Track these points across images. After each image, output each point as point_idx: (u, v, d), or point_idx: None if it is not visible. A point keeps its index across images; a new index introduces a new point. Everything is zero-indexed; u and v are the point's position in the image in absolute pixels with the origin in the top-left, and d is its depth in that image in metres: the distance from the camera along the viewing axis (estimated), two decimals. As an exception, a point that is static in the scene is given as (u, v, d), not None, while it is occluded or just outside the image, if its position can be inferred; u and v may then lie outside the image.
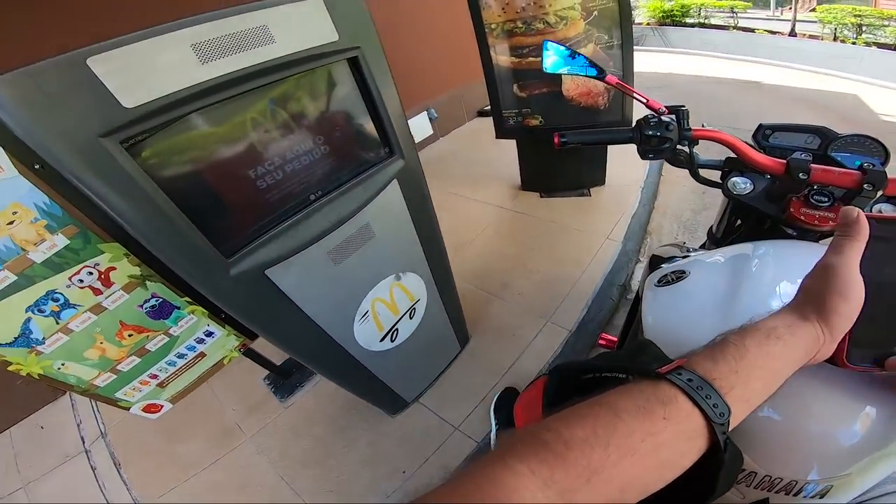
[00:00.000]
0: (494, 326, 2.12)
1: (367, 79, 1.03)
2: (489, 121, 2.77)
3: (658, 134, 0.85)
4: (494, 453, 0.33)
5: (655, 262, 0.94)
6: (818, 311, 0.42)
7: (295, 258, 0.98)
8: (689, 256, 0.89)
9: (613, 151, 2.87)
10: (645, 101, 0.91)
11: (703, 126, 0.89)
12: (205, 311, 1.31)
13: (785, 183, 0.79)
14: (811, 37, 8.12)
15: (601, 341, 1.95)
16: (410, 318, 1.50)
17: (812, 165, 0.75)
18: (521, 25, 2.35)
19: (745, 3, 9.41)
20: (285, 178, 0.95)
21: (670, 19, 9.72)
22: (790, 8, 9.59)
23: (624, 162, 2.92)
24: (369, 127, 1.11)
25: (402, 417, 1.79)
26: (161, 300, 1.20)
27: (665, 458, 0.35)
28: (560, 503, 0.30)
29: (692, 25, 9.46)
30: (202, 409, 1.99)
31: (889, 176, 0.71)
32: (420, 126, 4.06)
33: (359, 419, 1.82)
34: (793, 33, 8.31)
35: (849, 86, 5.99)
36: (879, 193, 0.72)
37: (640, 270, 2.35)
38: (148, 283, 1.15)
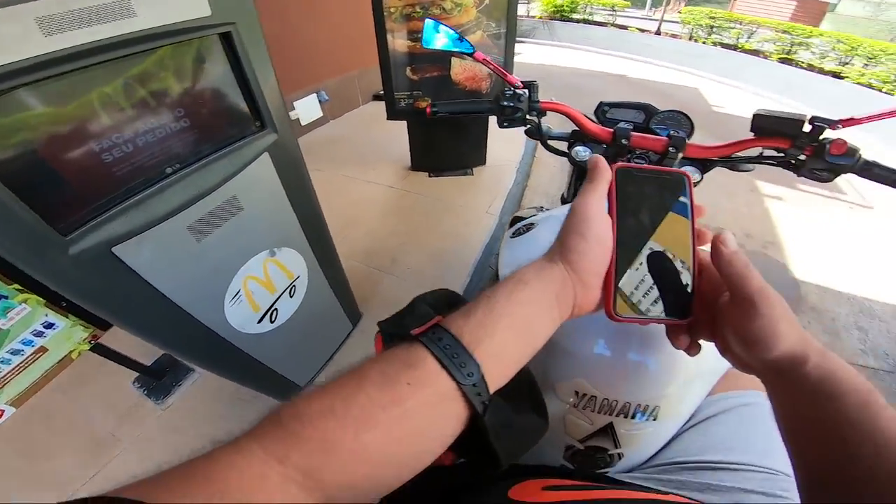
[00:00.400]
0: (386, 301, 2.16)
1: (241, 55, 0.99)
2: (383, 105, 2.82)
3: (511, 105, 0.95)
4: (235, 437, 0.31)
5: (515, 221, 1.04)
6: (561, 253, 0.42)
7: (148, 233, 0.91)
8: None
9: (493, 136, 3.12)
10: (504, 76, 0.99)
11: (551, 100, 1.02)
12: (41, 299, 1.15)
13: (613, 149, 0.93)
14: (672, 36, 8.98)
15: None
16: (291, 296, 1.45)
17: (632, 133, 0.90)
18: (419, 10, 2.44)
19: (625, 3, 10.13)
20: (136, 151, 0.88)
21: (560, 14, 10.16)
22: (661, 9, 10.73)
23: (502, 145, 3.23)
24: (240, 102, 1.06)
25: None
26: None
27: (416, 426, 0.32)
28: (303, 481, 0.28)
29: (577, 21, 9.99)
30: (63, 422, 1.74)
31: (688, 142, 0.88)
32: (309, 108, 3.91)
33: (249, 410, 1.73)
34: (658, 32, 9.15)
35: (693, 80, 7.17)
36: (681, 156, 0.88)
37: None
38: None
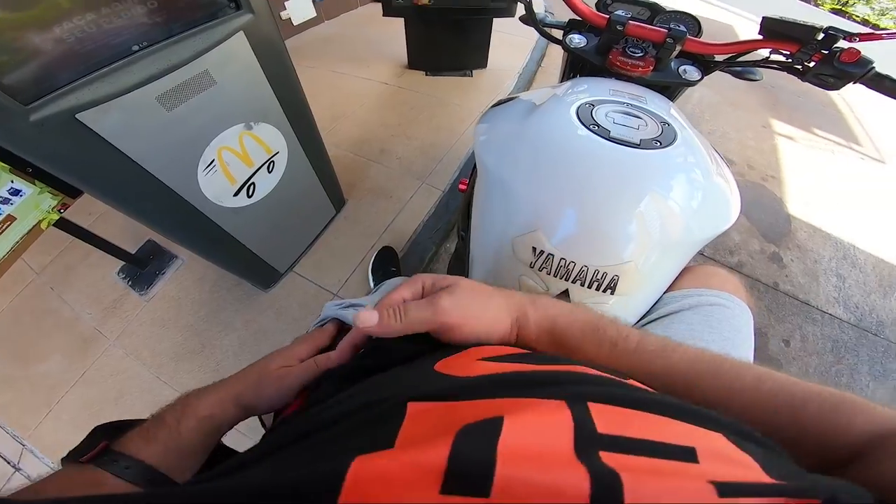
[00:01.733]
0: (372, 188, 2.16)
1: None
2: (380, 6, 2.59)
3: None
4: None
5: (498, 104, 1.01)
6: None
7: (115, 102, 0.90)
8: None
9: (497, 39, 2.95)
10: None
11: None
12: (4, 165, 1.13)
13: (608, 36, 0.87)
14: None
15: (461, 186, 2.11)
16: (269, 171, 1.43)
17: (629, 21, 0.84)
18: None
19: None
20: (100, 32, 0.84)
21: None
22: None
23: (506, 49, 3.08)
24: None
25: (278, 290, 1.76)
26: None
27: None
28: None
29: None
30: (53, 320, 1.77)
31: (688, 37, 0.83)
32: (302, 7, 3.59)
33: (230, 299, 1.77)
34: None
35: (728, 17, 6.48)
36: (679, 48, 0.83)
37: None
38: None
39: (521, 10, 1.01)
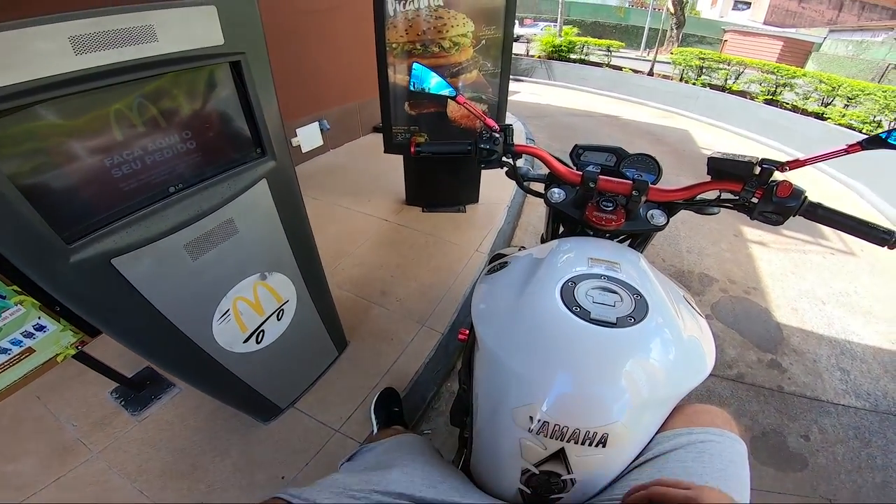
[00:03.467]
0: (373, 331, 2.19)
1: (248, 83, 1.06)
2: (381, 137, 2.90)
3: (488, 147, 1.03)
4: None
5: (494, 258, 1.09)
6: None
7: (147, 248, 0.96)
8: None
9: (487, 175, 3.20)
10: (483, 119, 1.07)
11: (526, 143, 1.09)
12: (36, 301, 1.18)
13: (582, 191, 1.00)
14: (664, 77, 9.06)
15: (460, 336, 2.12)
16: (278, 319, 1.49)
17: (600, 176, 0.97)
18: (419, 48, 2.53)
19: (620, 44, 10.31)
20: (144, 168, 0.94)
21: (558, 54, 10.31)
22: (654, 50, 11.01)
23: (495, 184, 3.28)
24: (243, 128, 1.13)
25: (277, 424, 1.74)
26: None
27: None
28: None
29: (574, 61, 10.13)
30: (33, 426, 1.72)
31: (650, 185, 0.95)
32: (310, 136, 4.03)
33: (227, 428, 1.72)
34: (651, 73, 9.31)
35: (684, 122, 7.41)
36: (644, 199, 0.95)
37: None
38: None
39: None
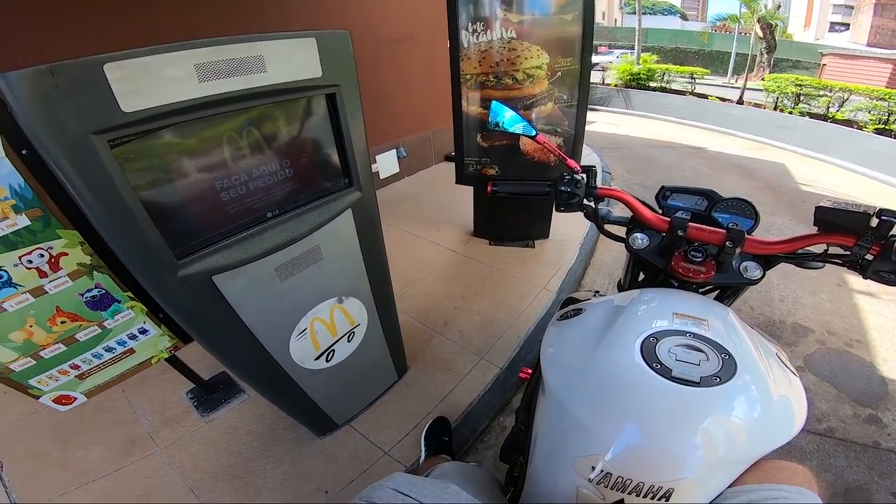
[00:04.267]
0: (433, 359, 2.21)
1: (341, 114, 1.13)
2: (453, 166, 2.95)
3: (569, 189, 0.98)
4: None
5: (567, 302, 1.05)
6: None
7: (243, 269, 1.04)
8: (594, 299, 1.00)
9: None
10: (564, 160, 1.03)
11: (609, 185, 1.04)
12: (144, 307, 1.31)
13: (669, 239, 0.92)
14: (755, 105, 8.37)
15: (521, 374, 2.05)
16: (349, 341, 1.55)
17: (689, 224, 0.89)
18: (492, 79, 2.54)
19: (704, 70, 9.79)
20: (248, 193, 1.03)
21: (636, 82, 9.95)
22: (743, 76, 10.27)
23: (567, 219, 3.10)
24: (334, 157, 1.21)
25: (331, 439, 1.79)
26: (103, 291, 1.19)
27: None
28: None
29: (654, 89, 9.72)
30: (113, 416, 1.90)
31: (746, 236, 0.86)
32: (388, 163, 4.22)
33: (284, 438, 1.81)
34: (740, 101, 8.72)
35: (779, 154, 6.74)
36: (739, 250, 0.87)
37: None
38: (95, 273, 1.15)
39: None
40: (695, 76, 9.45)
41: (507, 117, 1.09)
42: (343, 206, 1.24)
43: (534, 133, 1.08)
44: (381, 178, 4.21)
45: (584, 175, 1.02)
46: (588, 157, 5.62)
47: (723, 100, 8.89)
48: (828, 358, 2.51)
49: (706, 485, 0.60)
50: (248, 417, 1.91)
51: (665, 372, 0.63)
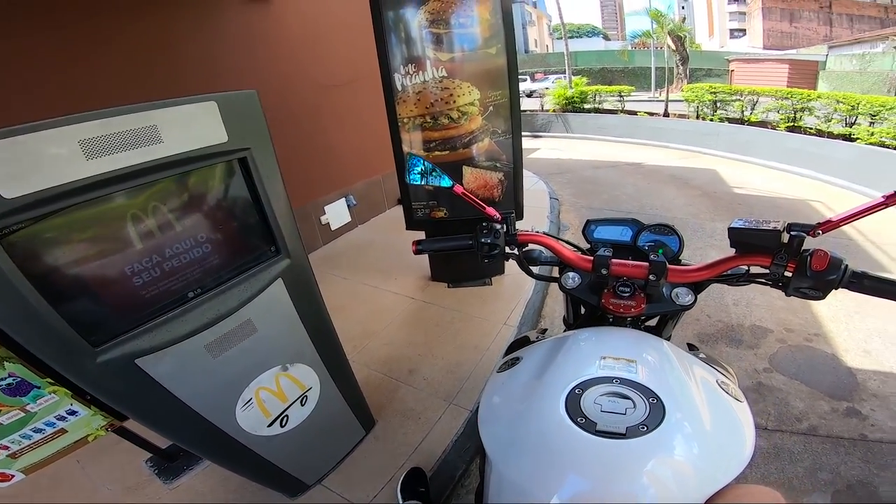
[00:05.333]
0: (401, 410, 2.16)
1: (256, 179, 1.11)
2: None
3: (489, 241, 0.97)
4: None
5: (512, 347, 1.04)
6: None
7: (169, 350, 1.00)
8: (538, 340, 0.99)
9: None
10: (482, 208, 1.03)
11: (531, 230, 1.04)
12: (68, 392, 1.22)
13: (595, 277, 0.94)
14: (680, 116, 8.89)
15: None
16: (302, 405, 1.50)
17: (612, 261, 0.91)
18: (429, 120, 2.57)
19: (630, 88, 10.35)
20: (163, 275, 1.00)
21: (571, 106, 10.30)
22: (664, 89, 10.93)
23: None
24: (255, 226, 1.18)
25: (304, 499, 1.73)
26: (19, 379, 1.11)
27: None
28: None
29: (589, 111, 10.13)
30: (69, 487, 1.84)
31: (669, 266, 0.88)
32: (339, 212, 4.18)
33: (255, 501, 1.73)
34: (666, 114, 9.27)
35: (709, 161, 7.20)
36: (662, 281, 0.87)
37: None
38: (6, 363, 1.07)
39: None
40: (622, 94, 9.96)
41: (425, 171, 1.07)
42: (272, 276, 1.21)
43: (451, 184, 1.07)
44: (333, 229, 4.16)
45: (503, 223, 1.01)
46: (535, 185, 5.80)
47: (651, 114, 9.42)
48: (791, 355, 2.59)
49: None
50: (214, 483, 1.84)
51: (589, 426, 0.62)
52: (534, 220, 4.22)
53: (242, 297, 1.13)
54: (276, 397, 1.37)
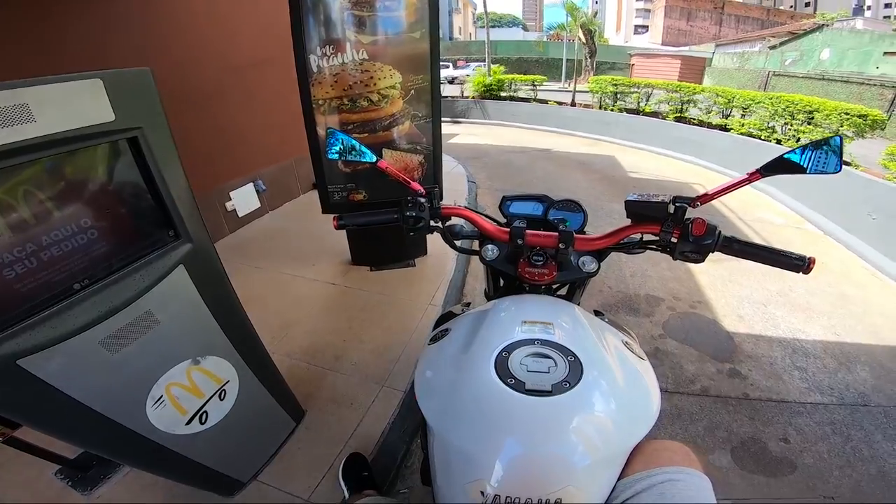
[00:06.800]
0: (331, 397, 2.11)
1: (149, 159, 1.01)
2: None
3: (414, 214, 1.00)
4: None
5: (440, 320, 1.07)
6: None
7: (57, 348, 0.90)
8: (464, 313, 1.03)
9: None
10: (407, 183, 1.05)
11: (453, 204, 1.07)
12: None
13: (513, 247, 1.00)
14: (585, 106, 9.58)
15: None
16: (221, 399, 1.41)
17: (526, 231, 0.98)
18: (347, 102, 2.51)
19: (543, 77, 10.88)
20: (41, 265, 0.88)
21: (489, 93, 10.72)
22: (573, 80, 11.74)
23: None
24: (149, 209, 1.07)
25: (241, 498, 1.64)
26: None
27: None
28: None
29: (505, 98, 10.62)
30: None
31: (576, 235, 0.96)
32: (246, 199, 3.93)
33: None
34: (573, 103, 9.90)
35: (609, 148, 7.93)
36: (571, 249, 0.96)
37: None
38: None
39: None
40: (535, 84, 10.46)
41: (346, 145, 1.05)
42: (172, 263, 1.11)
43: (374, 160, 1.06)
44: (241, 215, 3.93)
45: (428, 197, 1.04)
46: (454, 168, 5.93)
47: (560, 103, 9.99)
48: (680, 322, 2.90)
49: (592, 485, 0.64)
50: (138, 489, 1.68)
51: (519, 386, 0.66)
52: (453, 201, 4.28)
53: (139, 286, 1.03)
54: (190, 393, 1.29)
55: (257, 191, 4.03)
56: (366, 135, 2.62)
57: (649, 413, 0.69)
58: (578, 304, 1.06)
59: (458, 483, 0.66)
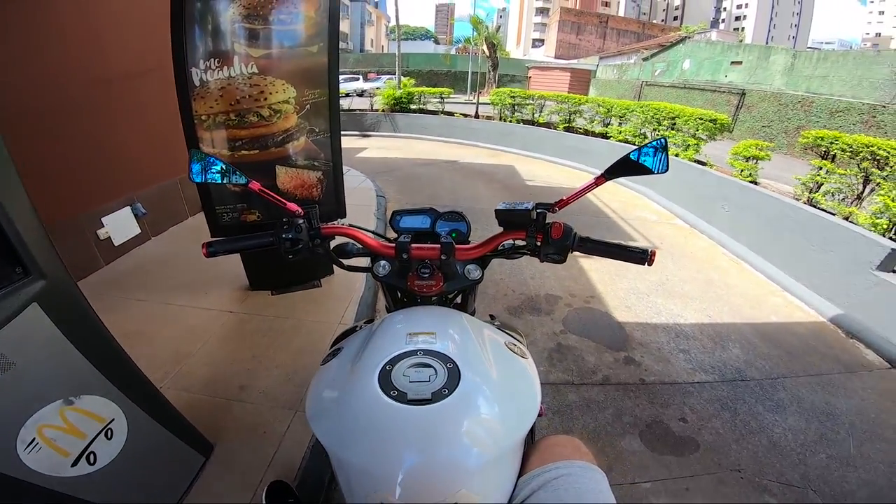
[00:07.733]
0: (241, 428, 2.00)
1: None
2: None
3: (291, 236, 0.95)
4: None
5: (336, 341, 1.05)
6: None
7: None
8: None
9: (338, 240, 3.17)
10: (283, 204, 1.01)
11: (334, 223, 1.07)
12: None
13: (400, 263, 1.02)
14: (488, 118, 10.12)
15: None
16: (108, 438, 1.31)
17: (411, 246, 0.99)
18: (234, 118, 2.38)
19: (450, 90, 11.15)
20: None
21: (399, 106, 10.85)
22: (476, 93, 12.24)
23: None
24: None
25: None
26: None
27: None
28: None
29: (414, 111, 10.85)
30: None
31: (456, 246, 1.00)
32: (122, 224, 3.52)
33: None
34: (476, 115, 10.37)
35: (509, 158, 8.44)
36: (453, 259, 0.99)
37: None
38: None
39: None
40: (443, 96, 10.76)
41: (212, 167, 1.00)
42: (22, 302, 1.01)
43: (245, 181, 1.01)
44: (117, 244, 3.49)
45: (305, 218, 1.00)
46: (362, 183, 5.92)
47: (465, 115, 10.37)
48: (578, 316, 3.14)
49: (489, 484, 0.66)
50: None
51: (402, 397, 0.67)
52: (360, 218, 4.27)
53: (-22, 330, 0.92)
54: (68, 434, 1.19)
55: (136, 215, 3.62)
56: (256, 151, 2.52)
57: (531, 406, 0.73)
58: (473, 311, 1.11)
59: (360, 499, 0.66)
